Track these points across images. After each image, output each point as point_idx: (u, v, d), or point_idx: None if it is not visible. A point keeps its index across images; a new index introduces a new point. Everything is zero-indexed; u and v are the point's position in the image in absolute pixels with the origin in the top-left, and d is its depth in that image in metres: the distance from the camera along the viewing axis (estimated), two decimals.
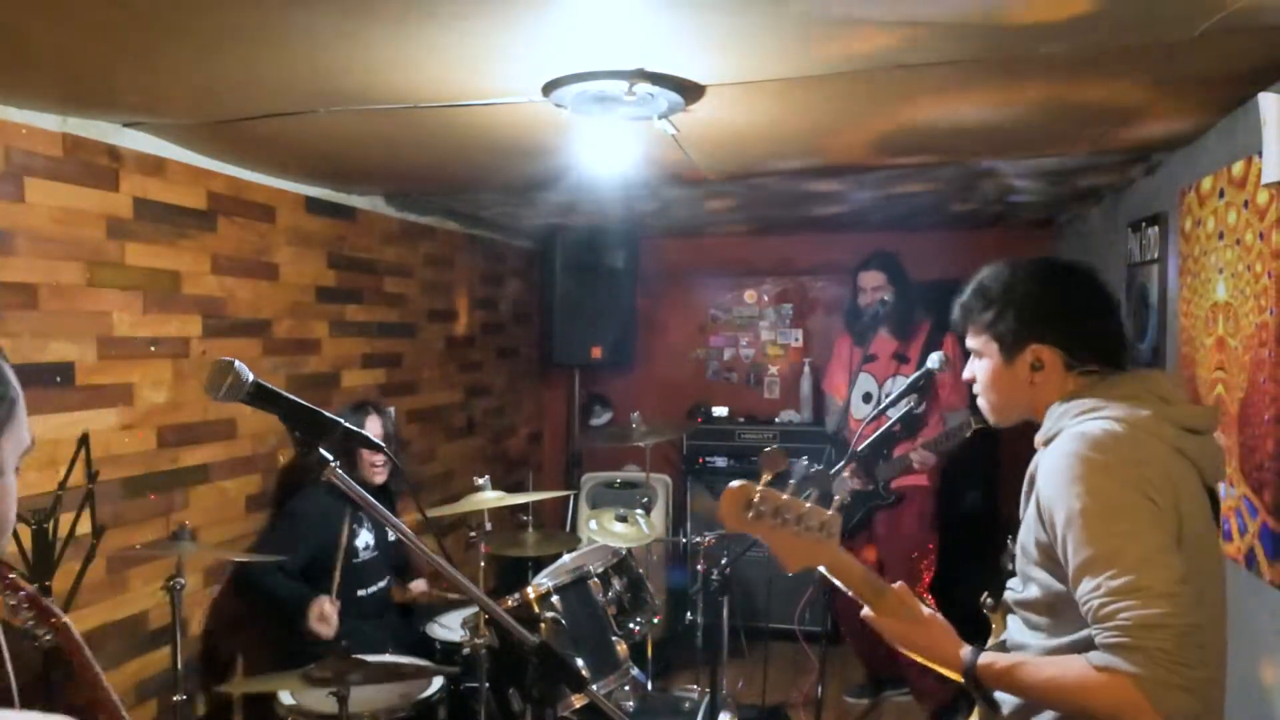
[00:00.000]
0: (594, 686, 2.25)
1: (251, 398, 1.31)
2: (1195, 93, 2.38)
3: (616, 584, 3.03)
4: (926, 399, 4.03)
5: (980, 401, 1.74)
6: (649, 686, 3.44)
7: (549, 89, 2.25)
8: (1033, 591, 1.54)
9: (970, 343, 1.72)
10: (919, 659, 1.58)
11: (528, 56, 2.04)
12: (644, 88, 2.19)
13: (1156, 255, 3.23)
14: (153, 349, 2.90)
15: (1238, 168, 2.48)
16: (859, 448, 2.86)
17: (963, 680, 1.52)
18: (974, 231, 5.34)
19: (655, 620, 3.21)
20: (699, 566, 3.74)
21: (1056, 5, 1.75)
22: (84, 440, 2.55)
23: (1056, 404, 1.58)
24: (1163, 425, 1.47)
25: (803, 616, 4.25)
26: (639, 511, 3.63)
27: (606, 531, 3.47)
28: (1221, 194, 2.61)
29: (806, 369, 5.60)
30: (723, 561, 2.82)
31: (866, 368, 4.21)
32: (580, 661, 2.65)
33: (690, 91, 2.27)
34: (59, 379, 2.56)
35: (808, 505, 1.53)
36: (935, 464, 3.99)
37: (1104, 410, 1.50)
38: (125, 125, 2.71)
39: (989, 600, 1.73)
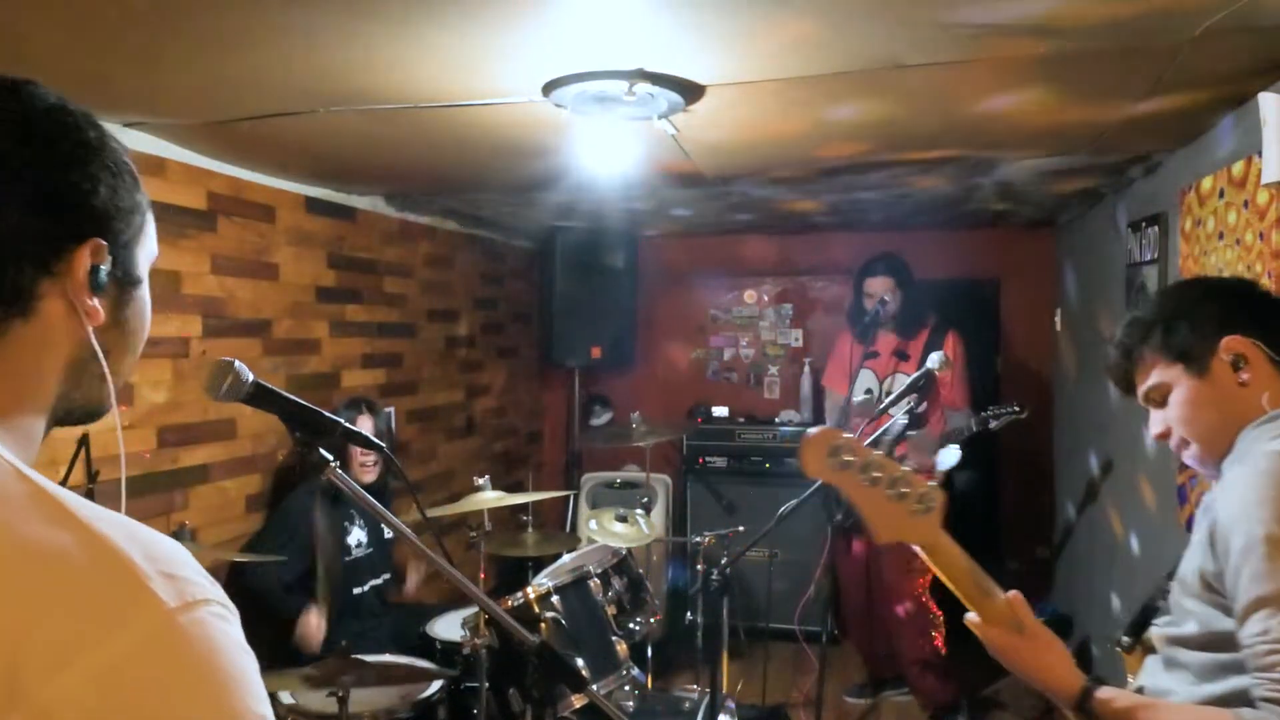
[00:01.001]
0: (594, 686, 2.25)
1: (251, 398, 1.32)
2: (1195, 93, 2.38)
3: (616, 584, 3.03)
4: (927, 398, 4.03)
5: (1190, 453, 1.44)
6: (649, 686, 3.44)
7: (549, 89, 2.25)
8: (1189, 628, 1.34)
9: (1147, 385, 1.46)
10: (1023, 678, 1.40)
11: (528, 56, 2.04)
12: (644, 88, 2.19)
13: (1156, 255, 3.23)
14: (153, 348, 2.91)
15: (1238, 168, 2.48)
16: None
17: (1072, 714, 1.34)
18: (974, 231, 5.34)
19: (655, 620, 3.21)
20: (699, 566, 3.74)
21: (1057, 4, 1.75)
22: (84, 440, 2.54)
23: (1250, 427, 1.35)
24: None
25: (803, 616, 4.25)
26: (639, 511, 3.63)
27: (606, 531, 3.46)
28: (1221, 194, 2.61)
29: (806, 369, 5.60)
30: (723, 561, 2.81)
31: (867, 364, 4.21)
32: (580, 661, 2.65)
33: (690, 91, 2.27)
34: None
35: (904, 469, 1.33)
36: (931, 465, 3.98)
37: None
38: (125, 125, 2.71)
39: (1125, 639, 1.52)
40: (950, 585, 1.38)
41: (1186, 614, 1.34)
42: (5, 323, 0.70)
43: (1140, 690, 1.42)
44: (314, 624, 3.05)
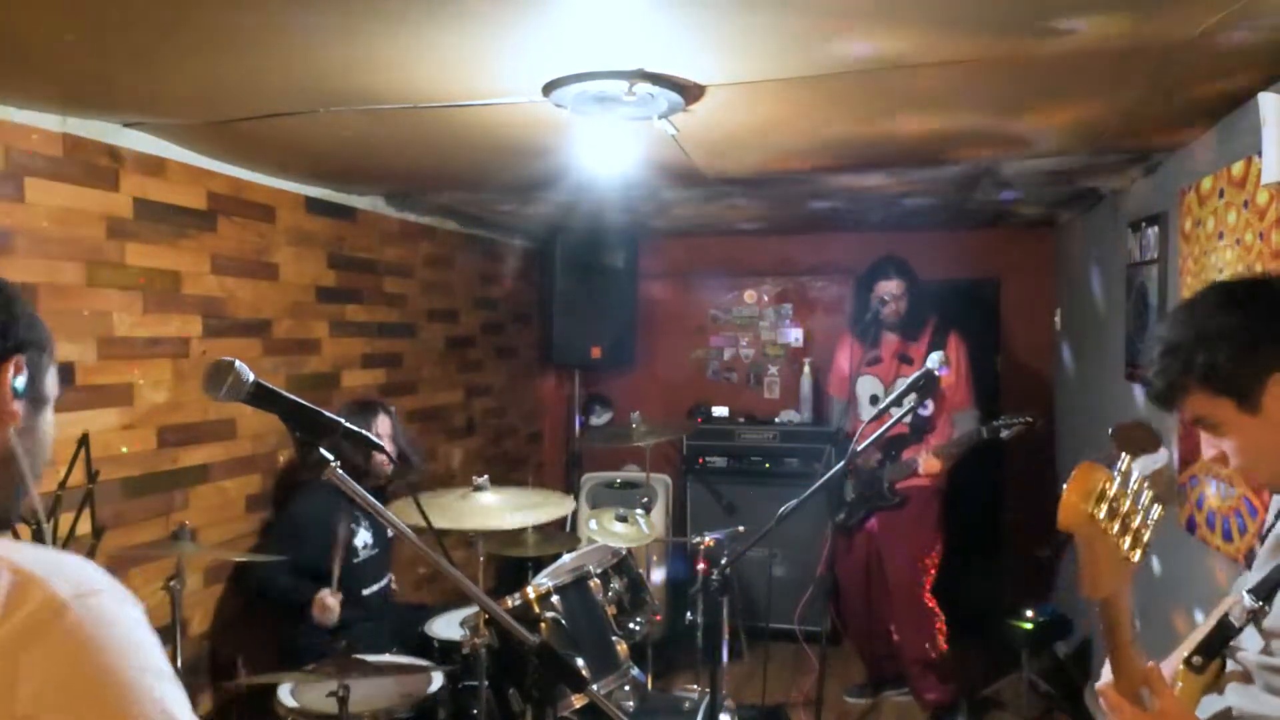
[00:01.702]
0: (594, 686, 2.25)
1: (252, 398, 1.32)
2: (1195, 93, 2.38)
3: (616, 584, 3.02)
4: (932, 399, 4.02)
5: (1254, 481, 1.41)
6: (649, 686, 3.44)
7: (549, 89, 2.25)
8: None
9: (1190, 417, 1.37)
10: None
11: (528, 56, 2.04)
12: (644, 88, 2.19)
13: (1156, 255, 3.23)
14: (154, 348, 2.90)
15: (1238, 168, 2.48)
16: (858, 447, 2.86)
17: None
18: (974, 231, 5.34)
19: (655, 620, 3.21)
20: (699, 566, 3.74)
21: (1057, 5, 1.75)
22: (84, 440, 2.55)
23: None
24: None
25: (803, 616, 4.25)
26: (639, 511, 3.63)
27: (606, 531, 3.46)
28: (1221, 194, 2.61)
29: (806, 369, 5.60)
30: (723, 561, 2.81)
31: (871, 369, 4.20)
32: (580, 661, 2.65)
33: (690, 91, 2.27)
34: (59, 379, 2.55)
35: (1139, 515, 1.18)
36: (940, 470, 3.96)
37: None
38: (125, 125, 2.71)
39: (1197, 660, 1.40)
40: (1107, 639, 1.26)
41: None
42: None
43: (1228, 710, 1.36)
44: (329, 601, 3.06)
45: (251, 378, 1.31)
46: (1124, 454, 1.20)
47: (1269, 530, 1.46)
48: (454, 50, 2.00)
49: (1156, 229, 3.23)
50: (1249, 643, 1.36)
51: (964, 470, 4.20)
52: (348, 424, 1.39)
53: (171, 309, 2.97)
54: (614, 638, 2.85)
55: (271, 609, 3.22)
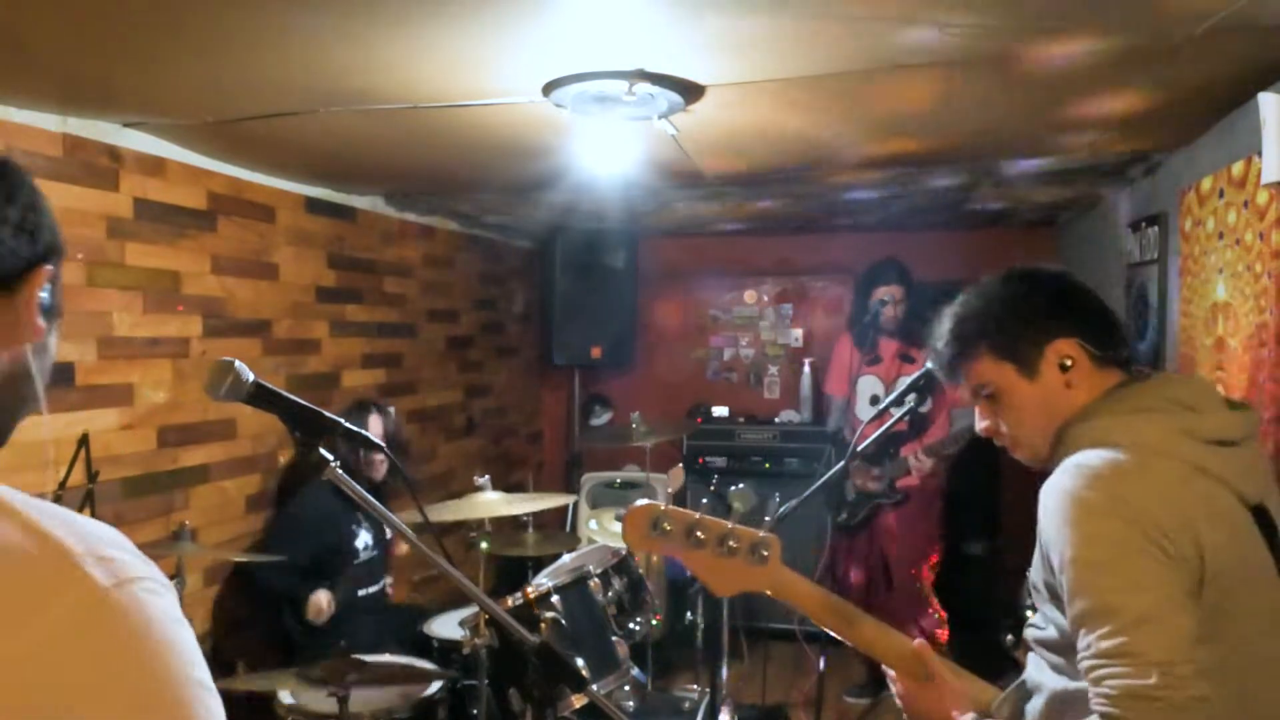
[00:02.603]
0: (594, 686, 2.25)
1: (252, 398, 1.32)
2: (1195, 93, 2.38)
3: (616, 584, 3.02)
4: (932, 397, 4.02)
5: (1019, 453, 1.49)
6: (649, 686, 3.44)
7: (549, 89, 2.25)
8: (1050, 631, 1.38)
9: (973, 385, 1.49)
10: None
11: (528, 56, 2.04)
12: (644, 88, 2.19)
13: (1156, 255, 3.23)
14: (153, 348, 2.90)
15: (1238, 168, 2.48)
16: (859, 447, 2.86)
17: None
18: (974, 231, 5.34)
19: (655, 620, 3.21)
20: None
21: (1058, 4, 1.75)
22: (84, 440, 2.54)
23: (1072, 423, 1.40)
24: (1181, 442, 1.29)
25: (803, 617, 4.24)
26: None
27: (606, 531, 3.46)
28: (1221, 194, 2.61)
29: (806, 369, 5.60)
30: None
31: (871, 369, 4.20)
32: (580, 661, 2.65)
33: (690, 91, 2.27)
34: (59, 379, 2.56)
35: (730, 525, 1.40)
36: (934, 469, 3.97)
37: (1110, 433, 1.33)
38: (125, 125, 2.71)
39: (1011, 639, 1.58)
40: (813, 619, 1.46)
41: (1047, 618, 1.39)
42: None
43: (1022, 684, 1.47)
44: (324, 601, 3.09)
45: (251, 378, 1.31)
46: (671, 487, 1.46)
47: None
48: (454, 50, 2.00)
49: (1156, 229, 3.23)
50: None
51: (964, 469, 4.19)
52: (347, 424, 1.39)
53: (171, 309, 2.97)
54: (614, 638, 2.85)
55: (268, 604, 3.22)
